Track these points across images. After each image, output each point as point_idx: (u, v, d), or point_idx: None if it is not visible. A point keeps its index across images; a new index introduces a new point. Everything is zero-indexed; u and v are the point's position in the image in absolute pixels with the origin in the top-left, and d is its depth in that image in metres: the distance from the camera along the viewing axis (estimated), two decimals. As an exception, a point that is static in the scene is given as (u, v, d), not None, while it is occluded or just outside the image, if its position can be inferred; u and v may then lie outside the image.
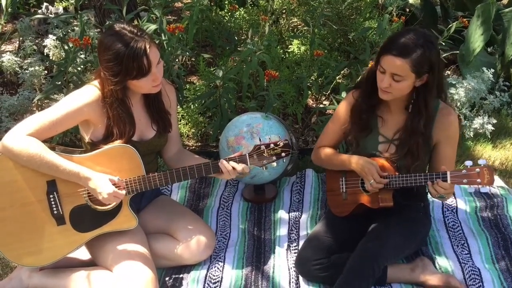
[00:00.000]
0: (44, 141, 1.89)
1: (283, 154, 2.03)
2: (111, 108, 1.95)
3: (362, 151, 2.13)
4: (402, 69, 1.88)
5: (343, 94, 2.97)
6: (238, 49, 3.57)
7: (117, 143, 1.96)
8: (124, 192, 1.94)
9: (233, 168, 1.99)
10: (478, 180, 1.91)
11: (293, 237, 2.40)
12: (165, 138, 2.18)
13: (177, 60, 3.34)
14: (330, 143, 2.28)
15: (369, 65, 2.73)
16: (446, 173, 1.94)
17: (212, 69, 3.35)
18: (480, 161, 1.94)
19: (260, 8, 3.89)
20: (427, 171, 2.19)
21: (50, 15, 3.83)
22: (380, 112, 2.13)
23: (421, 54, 1.86)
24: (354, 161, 2.08)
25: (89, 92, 1.96)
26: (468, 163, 1.95)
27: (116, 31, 1.88)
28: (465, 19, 3.17)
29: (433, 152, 2.10)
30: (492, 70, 3.44)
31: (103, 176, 1.91)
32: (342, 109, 2.21)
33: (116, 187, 1.91)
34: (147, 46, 1.86)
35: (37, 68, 3.25)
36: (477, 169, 1.91)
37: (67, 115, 1.91)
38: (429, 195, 2.27)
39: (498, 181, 2.81)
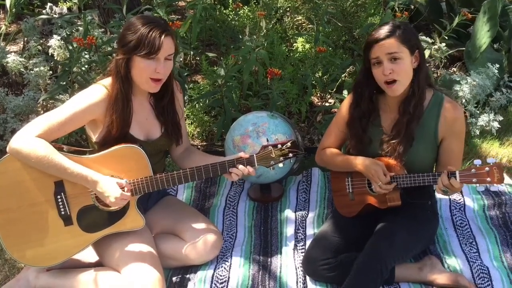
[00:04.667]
0: (51, 142, 1.89)
1: (290, 154, 2.02)
2: (112, 85, 1.96)
3: (366, 153, 2.12)
4: (394, 45, 1.93)
5: (345, 93, 2.96)
6: (242, 47, 3.56)
7: (124, 144, 1.96)
8: (129, 193, 1.94)
9: (241, 171, 2.00)
10: (488, 179, 1.89)
11: (300, 236, 2.39)
12: (172, 138, 2.17)
13: (181, 59, 3.33)
14: (333, 144, 2.27)
15: None
16: (455, 172, 1.92)
17: (215, 68, 3.35)
18: (489, 160, 1.92)
19: (265, 6, 3.87)
20: (434, 169, 2.18)
21: (54, 15, 3.83)
22: (383, 121, 2.11)
23: (402, 31, 1.95)
24: (359, 162, 2.07)
25: (97, 92, 1.95)
26: (477, 162, 1.93)
27: (149, 16, 1.95)
28: (468, 13, 3.15)
29: (439, 148, 2.08)
30: (497, 66, 3.42)
31: (110, 179, 1.91)
32: (344, 109, 2.19)
33: (123, 190, 1.91)
34: (165, 34, 1.90)
35: (42, 68, 3.25)
36: (487, 168, 1.89)
37: (75, 115, 1.91)
38: (436, 193, 2.26)
39: (506, 178, 2.79)
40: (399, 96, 2.02)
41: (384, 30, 1.95)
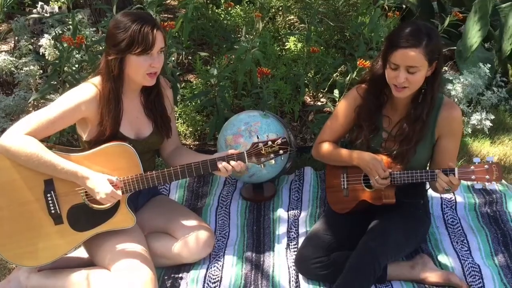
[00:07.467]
0: (41, 141, 1.88)
1: (281, 151, 2.01)
2: (103, 84, 1.94)
3: (370, 143, 2.11)
4: (417, 59, 1.86)
5: (336, 92, 2.96)
6: (235, 47, 3.56)
7: (114, 142, 1.95)
8: (120, 192, 1.93)
9: (232, 166, 1.99)
10: (487, 176, 1.89)
11: (292, 235, 2.39)
12: (162, 136, 2.16)
13: (173, 58, 3.32)
14: (331, 139, 2.26)
15: (358, 63, 2.69)
16: (454, 169, 1.92)
17: (208, 67, 3.34)
18: (488, 158, 1.93)
19: (256, 5, 3.87)
20: (427, 167, 2.18)
21: (45, 15, 3.80)
22: (386, 111, 2.11)
23: (429, 40, 1.87)
24: (357, 156, 2.08)
25: (87, 90, 1.94)
26: (476, 159, 1.94)
27: (133, 11, 1.95)
28: (459, 13, 3.16)
29: (435, 147, 2.09)
30: (489, 65, 3.44)
31: (101, 175, 1.90)
32: (344, 104, 2.19)
33: (114, 187, 1.90)
34: (156, 28, 1.90)
35: (32, 67, 3.23)
36: (486, 166, 1.90)
37: (65, 113, 1.89)
38: (429, 192, 2.26)
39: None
40: (408, 96, 2.01)
41: (411, 37, 1.86)
